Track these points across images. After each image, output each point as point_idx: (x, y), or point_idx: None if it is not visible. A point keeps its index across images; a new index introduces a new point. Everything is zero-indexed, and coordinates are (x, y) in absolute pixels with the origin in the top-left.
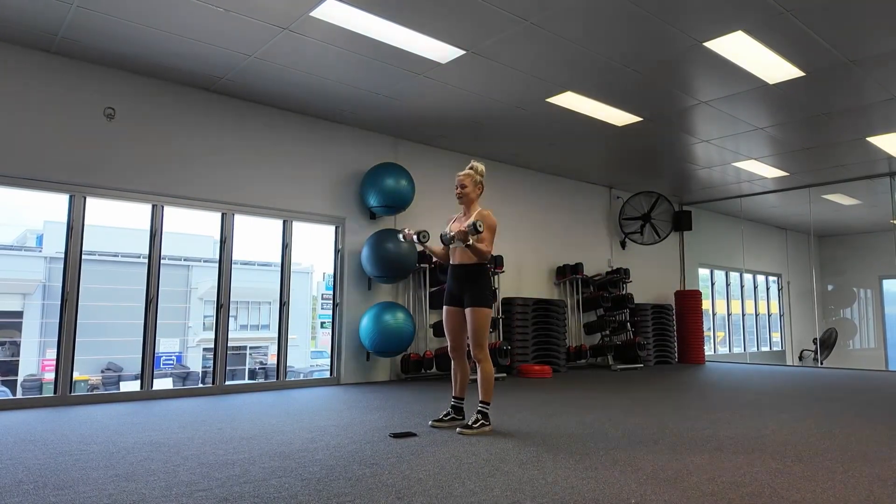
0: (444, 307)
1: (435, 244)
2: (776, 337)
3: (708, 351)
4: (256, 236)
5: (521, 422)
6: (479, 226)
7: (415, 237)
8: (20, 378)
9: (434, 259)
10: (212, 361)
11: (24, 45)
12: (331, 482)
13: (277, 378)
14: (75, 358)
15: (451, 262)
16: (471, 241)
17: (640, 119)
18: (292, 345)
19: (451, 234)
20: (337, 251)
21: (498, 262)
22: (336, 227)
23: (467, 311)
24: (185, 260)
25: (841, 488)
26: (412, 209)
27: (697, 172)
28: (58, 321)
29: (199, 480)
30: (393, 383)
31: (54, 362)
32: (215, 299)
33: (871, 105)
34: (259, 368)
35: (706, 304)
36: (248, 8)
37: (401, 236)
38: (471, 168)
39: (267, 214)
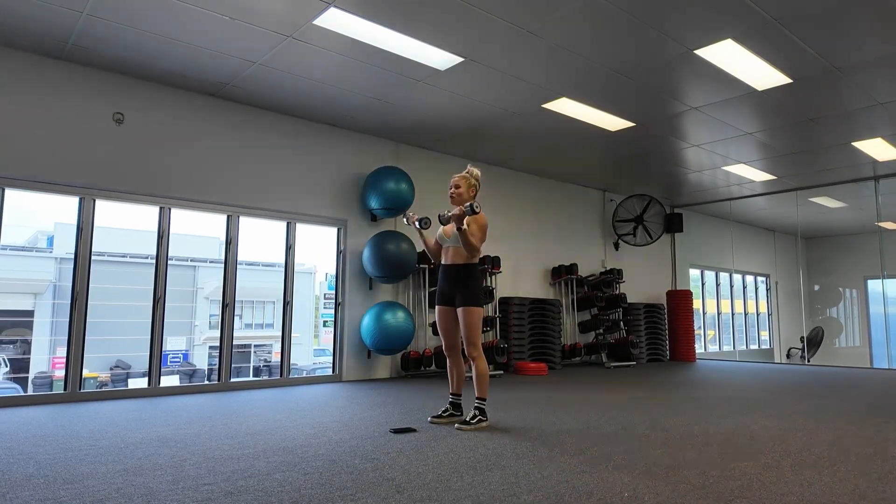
0: (437, 307)
1: (432, 235)
2: (764, 335)
3: (699, 349)
4: (261, 238)
5: (517, 417)
6: (476, 207)
7: (416, 223)
8: (31, 375)
9: (432, 260)
10: (217, 359)
11: (35, 53)
12: (333, 476)
13: (281, 375)
14: (85, 356)
15: (442, 261)
16: (464, 226)
17: (633, 124)
18: (295, 343)
19: (449, 214)
20: (339, 252)
21: (495, 262)
22: (338, 229)
23: (459, 310)
24: (191, 261)
25: (828, 482)
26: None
27: (688, 176)
28: (68, 320)
29: (205, 475)
30: (393, 380)
31: (64, 360)
32: (221, 299)
33: (856, 111)
34: (263, 366)
35: (697, 304)
36: (253, 16)
37: (405, 219)
38: (467, 172)
39: (271, 216)
